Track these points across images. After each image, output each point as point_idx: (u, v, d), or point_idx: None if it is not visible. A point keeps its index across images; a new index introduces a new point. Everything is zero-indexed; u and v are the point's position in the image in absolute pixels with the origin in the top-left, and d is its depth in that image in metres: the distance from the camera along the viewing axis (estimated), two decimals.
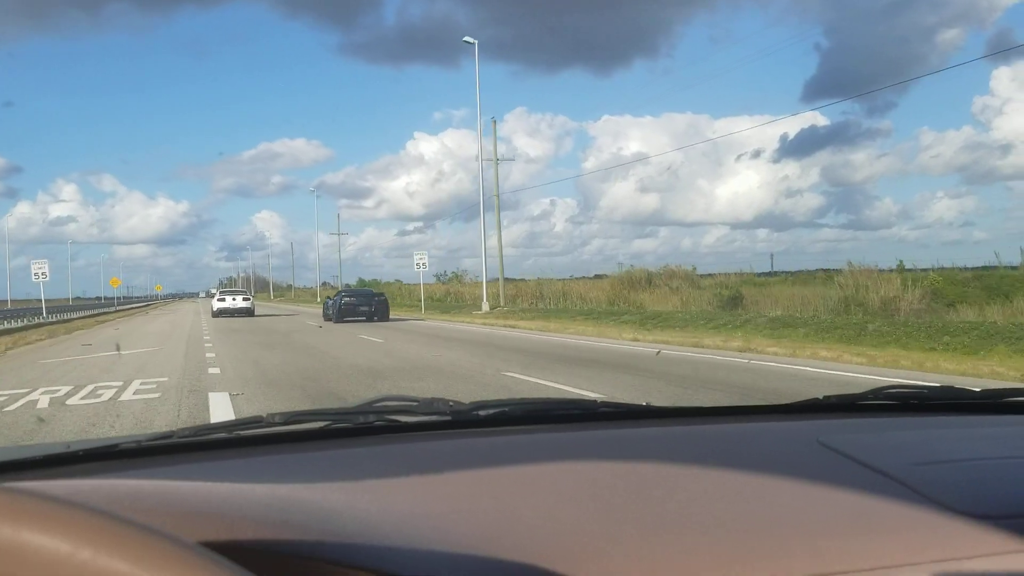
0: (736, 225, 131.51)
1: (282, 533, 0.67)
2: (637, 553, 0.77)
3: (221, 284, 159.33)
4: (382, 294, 30.69)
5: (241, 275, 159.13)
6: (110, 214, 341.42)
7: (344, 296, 29.45)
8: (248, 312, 35.00)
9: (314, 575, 0.65)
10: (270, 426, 1.19)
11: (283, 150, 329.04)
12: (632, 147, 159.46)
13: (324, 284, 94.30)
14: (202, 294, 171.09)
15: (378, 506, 0.83)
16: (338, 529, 0.72)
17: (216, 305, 35.88)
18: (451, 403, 1.30)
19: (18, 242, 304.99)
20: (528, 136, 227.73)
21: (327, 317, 28.98)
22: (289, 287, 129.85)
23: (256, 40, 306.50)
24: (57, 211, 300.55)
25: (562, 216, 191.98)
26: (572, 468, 1.01)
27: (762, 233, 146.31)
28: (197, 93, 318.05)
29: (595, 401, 1.46)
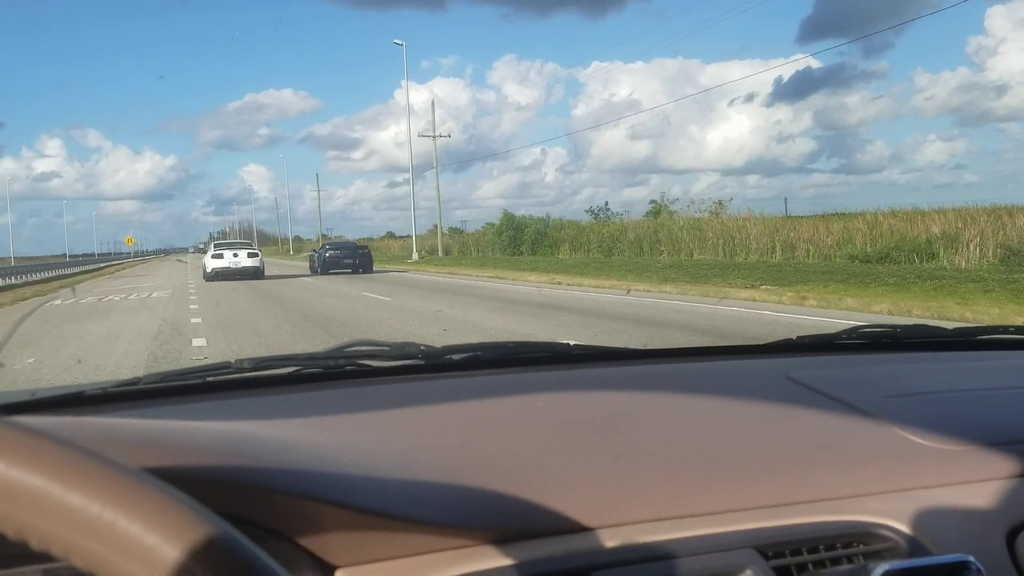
0: (727, 171, 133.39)
1: (230, 461, 0.65)
2: (597, 483, 0.77)
3: (212, 237, 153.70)
4: (365, 247, 30.99)
5: (231, 229, 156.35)
6: (95, 169, 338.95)
7: (328, 249, 29.40)
8: (256, 273, 24.98)
9: (266, 506, 0.64)
10: (239, 372, 1.17)
11: (269, 101, 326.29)
12: (623, 93, 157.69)
13: (323, 236, 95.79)
14: (191, 249, 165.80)
15: (338, 442, 0.81)
16: (292, 461, 0.70)
17: (211, 265, 24.87)
18: (422, 347, 1.28)
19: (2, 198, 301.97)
20: (518, 84, 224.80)
21: (313, 270, 29.15)
22: (283, 241, 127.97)
23: None
24: (41, 167, 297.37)
25: (552, 165, 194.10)
26: (538, 403, 1.00)
27: (752, 179, 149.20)
28: (180, 41, 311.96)
29: (568, 343, 1.44)
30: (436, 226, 47.48)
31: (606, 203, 39.82)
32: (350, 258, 28.11)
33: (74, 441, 0.41)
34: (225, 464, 0.64)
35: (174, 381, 1.15)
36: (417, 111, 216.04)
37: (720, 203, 29.02)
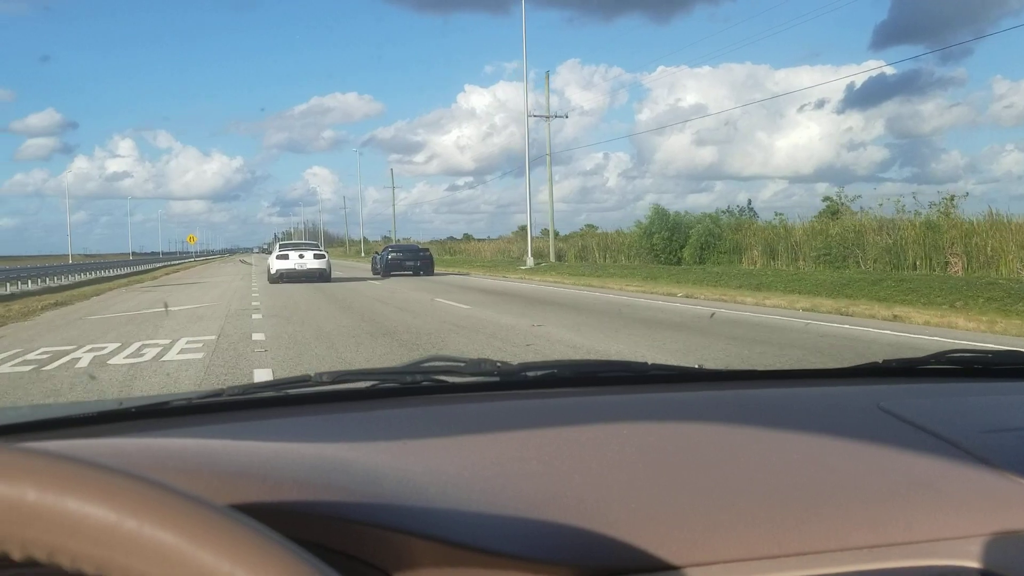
0: (795, 179, 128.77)
1: (324, 495, 0.65)
2: (691, 518, 0.74)
3: (277, 238, 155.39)
4: (427, 250, 30.63)
5: (295, 229, 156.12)
6: (165, 169, 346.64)
7: (391, 251, 29.37)
8: (322, 276, 23.52)
9: (358, 538, 0.63)
10: (318, 385, 1.18)
11: (334, 104, 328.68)
12: (689, 98, 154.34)
13: (384, 238, 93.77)
14: (256, 249, 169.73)
15: (423, 467, 0.80)
16: (382, 491, 0.70)
17: (276, 266, 23.39)
18: (498, 364, 1.27)
19: (75, 197, 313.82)
20: (581, 88, 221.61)
21: (375, 271, 29.03)
22: (350, 242, 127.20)
23: None
24: (113, 166, 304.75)
25: (615, 170, 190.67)
26: (622, 431, 0.95)
27: (821, 187, 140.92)
28: (248, 46, 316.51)
29: (645, 363, 1.39)
30: (546, 229, 42.09)
31: (749, 201, 30.51)
32: (412, 260, 27.96)
33: (178, 474, 0.41)
34: (319, 499, 0.64)
35: (255, 393, 1.18)
36: (479, 115, 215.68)
37: (951, 199, 21.03)
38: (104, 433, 0.96)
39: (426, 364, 1.28)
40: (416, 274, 27.24)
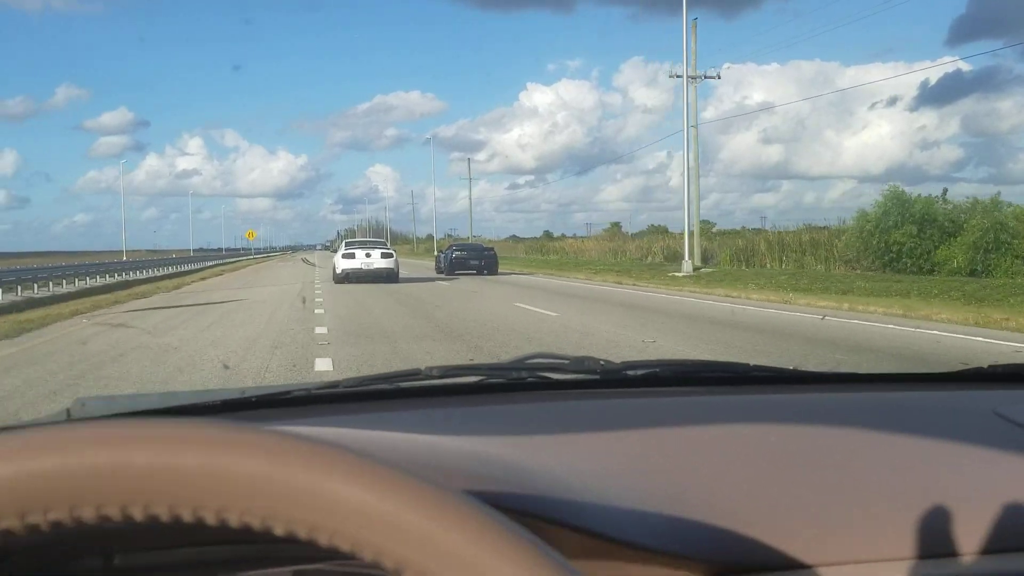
0: (864, 178, 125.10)
1: (490, 486, 0.67)
2: (819, 517, 0.74)
3: (340, 235, 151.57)
4: (491, 249, 30.05)
5: (359, 227, 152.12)
6: (232, 167, 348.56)
7: (455, 250, 28.90)
8: (390, 276, 21.88)
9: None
10: (428, 379, 1.20)
11: (397, 103, 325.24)
12: (755, 96, 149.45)
13: (447, 235, 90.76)
14: (318, 247, 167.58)
15: (559, 462, 0.81)
16: (533, 484, 0.72)
17: (341, 265, 21.87)
18: (602, 362, 1.28)
19: (146, 194, 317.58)
20: (644, 86, 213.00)
21: (439, 270, 28.70)
22: (407, 239, 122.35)
23: None
24: (183, 164, 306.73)
25: (678, 169, 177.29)
26: (741, 431, 0.96)
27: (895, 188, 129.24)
28: (313, 45, 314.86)
29: (747, 364, 1.38)
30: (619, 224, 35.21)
31: (944, 190, 22.73)
32: (476, 259, 27.69)
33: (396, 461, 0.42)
34: (487, 490, 0.65)
35: (370, 386, 1.19)
36: (541, 113, 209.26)
37: None
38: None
39: (531, 360, 1.29)
40: (480, 273, 26.76)
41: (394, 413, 1.09)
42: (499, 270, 28.09)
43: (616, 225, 62.90)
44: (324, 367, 7.08)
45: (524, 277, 27.29)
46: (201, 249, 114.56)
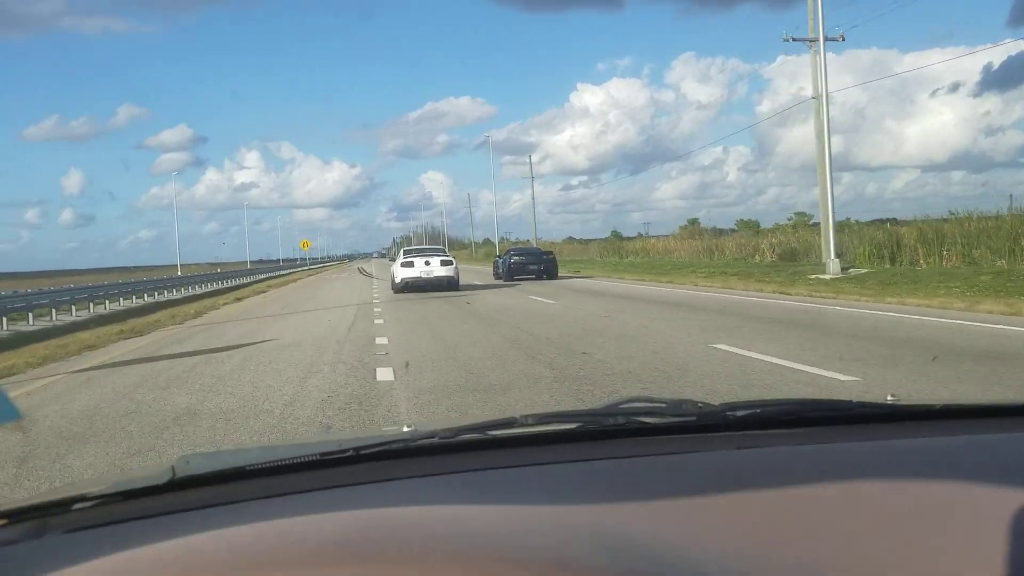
0: (927, 168, 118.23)
1: None
2: None
3: (396, 243, 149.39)
4: (550, 253, 29.63)
5: (415, 233, 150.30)
6: (289, 179, 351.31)
7: (514, 255, 28.28)
8: (451, 284, 20.90)
9: None
10: (523, 427, 1.19)
11: (448, 109, 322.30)
12: (811, 88, 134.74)
13: (503, 238, 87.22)
14: (375, 255, 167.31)
15: (685, 534, 0.77)
16: (670, 560, 0.68)
17: (400, 275, 20.74)
18: (700, 404, 1.25)
19: (206, 208, 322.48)
20: (697, 82, 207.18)
21: (497, 276, 28.22)
22: (463, 244, 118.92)
23: None
24: (241, 178, 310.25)
25: (735, 165, 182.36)
26: (862, 487, 0.89)
27: (957, 175, 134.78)
28: (363, 55, 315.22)
29: (851, 401, 1.31)
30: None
31: None
32: (535, 264, 27.03)
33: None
34: None
35: (464, 436, 1.17)
36: (592, 113, 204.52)
37: None
38: (326, 480, 1.00)
39: (625, 405, 1.28)
40: (539, 277, 26.30)
41: (492, 472, 1.07)
42: (567, 274, 27.23)
43: (694, 222, 57.31)
44: None
45: (614, 284, 23.41)
46: (260, 260, 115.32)
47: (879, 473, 0.95)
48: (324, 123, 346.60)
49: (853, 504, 0.84)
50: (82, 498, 0.93)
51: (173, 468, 0.99)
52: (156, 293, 28.38)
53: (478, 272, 34.05)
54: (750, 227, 52.04)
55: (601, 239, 69.60)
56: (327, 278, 39.47)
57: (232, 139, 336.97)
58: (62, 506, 0.91)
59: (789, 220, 50.57)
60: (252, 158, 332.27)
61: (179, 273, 47.96)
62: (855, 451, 1.13)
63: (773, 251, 30.60)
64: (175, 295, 29.50)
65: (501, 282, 25.65)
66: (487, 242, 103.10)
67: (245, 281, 41.79)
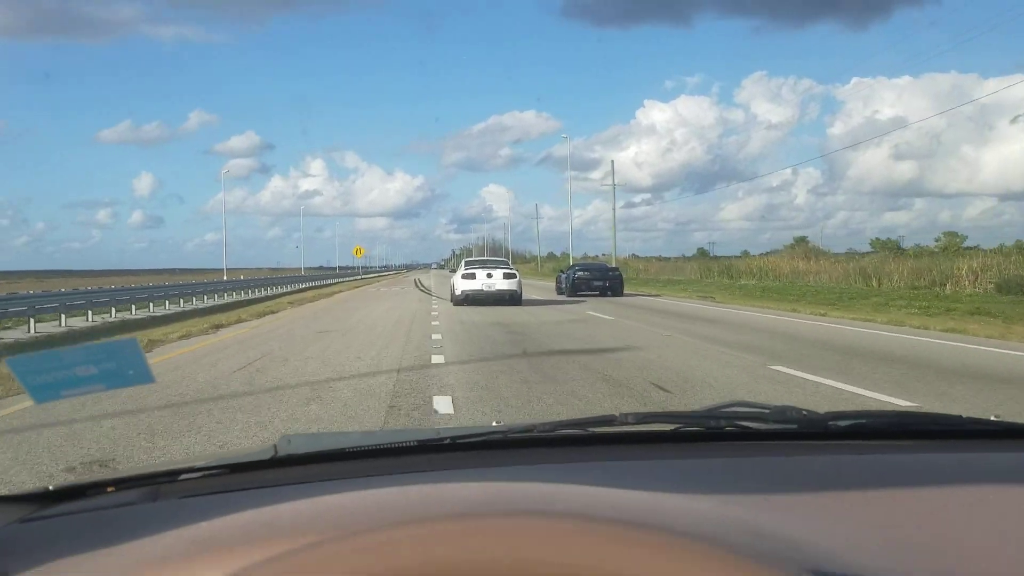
0: (1005, 196, 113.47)
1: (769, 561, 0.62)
2: None
3: (455, 254, 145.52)
4: (616, 268, 28.34)
5: (476, 245, 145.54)
6: (352, 188, 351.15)
7: (578, 270, 26.68)
8: (513, 298, 19.89)
9: None
10: (623, 424, 1.17)
11: (512, 123, 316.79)
12: (886, 111, 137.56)
13: (564, 253, 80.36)
14: (434, 265, 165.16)
15: (812, 526, 0.78)
16: (812, 556, 0.68)
17: (460, 286, 20.25)
18: (804, 412, 1.22)
19: (271, 214, 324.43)
20: (768, 101, 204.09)
21: (560, 291, 26.76)
22: (524, 258, 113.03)
23: (483, 7, 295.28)
24: (306, 185, 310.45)
25: (803, 187, 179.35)
26: (973, 493, 0.89)
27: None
28: (430, 66, 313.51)
29: (960, 416, 1.28)
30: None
31: None
32: (600, 280, 25.62)
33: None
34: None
35: (564, 431, 1.18)
36: (659, 131, 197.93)
37: None
38: (422, 465, 1.02)
39: (728, 409, 1.24)
40: (603, 294, 24.82)
41: (593, 464, 1.05)
42: (632, 291, 26.79)
43: (802, 240, 49.28)
44: None
45: (757, 314, 16.85)
46: (321, 267, 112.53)
47: (983, 480, 0.93)
48: (389, 134, 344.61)
49: (955, 507, 0.84)
50: (190, 469, 0.98)
51: (275, 446, 1.04)
52: (190, 300, 22.60)
53: (539, 287, 32.10)
54: (887, 248, 43.75)
55: (682, 257, 62.09)
56: (375, 293, 32.37)
57: (298, 147, 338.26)
58: (171, 475, 0.97)
59: (937, 241, 42.37)
60: (317, 166, 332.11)
61: (225, 278, 43.61)
62: (959, 461, 1.11)
63: (976, 278, 22.72)
64: (205, 302, 23.28)
65: (563, 298, 24.21)
66: (551, 256, 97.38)
67: (274, 292, 35.80)
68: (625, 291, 25.96)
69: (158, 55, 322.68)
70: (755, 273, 34.60)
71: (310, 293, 32.97)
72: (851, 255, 39.21)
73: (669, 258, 66.44)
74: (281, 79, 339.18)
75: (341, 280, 58.17)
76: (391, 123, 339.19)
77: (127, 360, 0.83)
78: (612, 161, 53.13)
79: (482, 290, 19.82)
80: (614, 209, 51.31)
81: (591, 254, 65.46)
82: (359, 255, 61.08)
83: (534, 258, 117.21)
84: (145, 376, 0.83)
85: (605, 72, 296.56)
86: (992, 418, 1.27)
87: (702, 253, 70.79)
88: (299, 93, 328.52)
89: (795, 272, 32.34)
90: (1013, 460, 1.11)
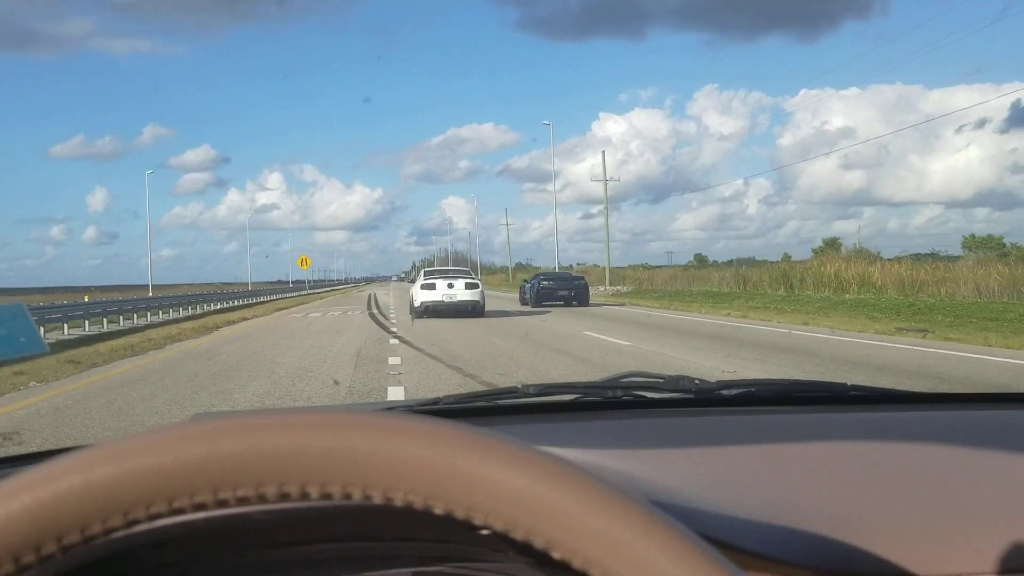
0: (951, 204, 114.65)
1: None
2: (932, 532, 0.73)
3: (416, 266, 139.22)
4: (582, 278, 27.10)
5: (438, 257, 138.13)
6: (310, 201, 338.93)
7: (542, 279, 25.78)
8: (475, 309, 18.74)
9: None
10: (525, 396, 1.22)
11: (470, 135, 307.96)
12: (835, 122, 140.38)
13: (523, 264, 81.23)
14: (394, 278, 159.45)
15: (667, 474, 0.82)
16: (641, 491, 0.71)
17: (420, 297, 18.76)
18: (696, 381, 1.28)
19: (228, 228, 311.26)
20: (719, 114, 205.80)
21: (523, 302, 26.06)
22: (489, 269, 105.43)
23: (439, 22, 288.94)
24: (263, 199, 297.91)
25: (755, 197, 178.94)
26: (842, 447, 0.94)
27: (980, 212, 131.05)
28: (386, 80, 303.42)
29: (845, 384, 1.36)
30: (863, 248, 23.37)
31: None
32: (565, 290, 24.77)
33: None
34: None
35: (469, 403, 1.24)
36: (614, 142, 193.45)
37: None
38: None
39: (625, 379, 1.28)
40: (568, 304, 24.09)
41: (494, 428, 1.15)
42: (600, 301, 26.95)
43: (833, 242, 41.90)
44: None
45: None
46: (278, 281, 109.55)
47: (861, 436, 0.99)
48: (347, 147, 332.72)
49: (830, 460, 0.89)
50: None
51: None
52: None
53: (497, 297, 30.72)
54: (987, 247, 35.85)
55: (690, 264, 53.88)
56: (298, 326, 18.40)
57: (255, 160, 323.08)
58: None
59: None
60: (274, 179, 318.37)
61: (151, 294, 36.83)
62: (844, 420, 1.19)
63: None
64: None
65: (528, 308, 23.64)
66: (521, 266, 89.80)
67: (200, 311, 26.95)
68: (631, 303, 23.97)
69: (112, 69, 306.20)
70: (823, 283, 25.38)
71: (188, 325, 22.12)
72: (935, 258, 31.11)
73: (658, 266, 58.20)
74: (237, 92, 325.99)
75: (282, 296, 48.82)
76: (350, 136, 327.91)
77: (17, 327, 0.54)
78: (603, 152, 44.99)
79: (442, 301, 18.79)
80: (606, 208, 43.28)
81: (566, 264, 58.00)
82: (305, 266, 51.90)
83: (501, 269, 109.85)
84: (37, 345, 0.52)
85: (561, 85, 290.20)
86: (891, 388, 1.39)
87: (700, 260, 63.03)
88: (256, 106, 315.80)
89: (864, 281, 23.50)
90: (883, 418, 1.19)
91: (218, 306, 32.92)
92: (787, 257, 39.88)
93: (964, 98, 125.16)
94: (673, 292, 33.50)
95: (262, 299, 43.26)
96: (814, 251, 39.48)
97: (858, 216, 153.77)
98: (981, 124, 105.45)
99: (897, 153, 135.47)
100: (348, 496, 0.39)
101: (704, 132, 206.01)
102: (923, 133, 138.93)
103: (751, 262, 43.63)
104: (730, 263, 46.30)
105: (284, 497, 0.39)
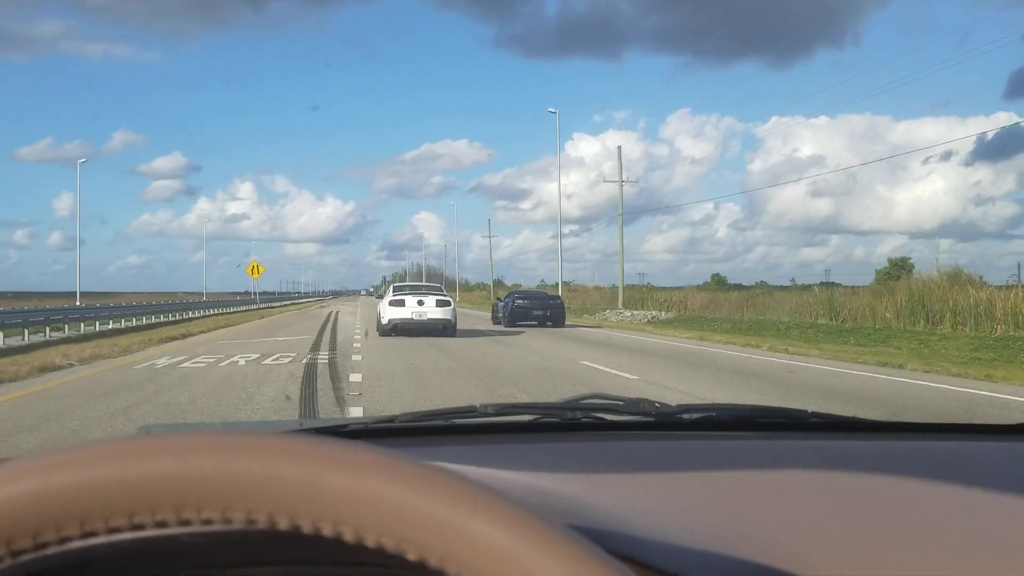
0: (916, 234, 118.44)
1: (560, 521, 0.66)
2: (880, 564, 0.70)
3: (386, 281, 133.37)
4: (558, 297, 26.04)
5: (409, 271, 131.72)
6: (281, 213, 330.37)
7: (517, 297, 24.72)
8: (447, 328, 17.91)
9: None
10: (483, 416, 1.20)
11: (444, 151, 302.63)
12: (805, 150, 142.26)
13: (496, 281, 77.58)
14: (363, 292, 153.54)
15: (618, 500, 0.80)
16: (590, 517, 0.71)
17: (388, 314, 17.73)
18: (657, 404, 1.27)
19: (196, 237, 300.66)
20: (692, 137, 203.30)
21: (496, 320, 25.19)
22: (466, 286, 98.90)
23: (417, 36, 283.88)
24: (233, 208, 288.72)
25: (724, 221, 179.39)
26: (798, 476, 0.92)
27: (945, 243, 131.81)
28: (361, 93, 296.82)
29: (804, 410, 1.36)
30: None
31: None
32: (540, 309, 23.83)
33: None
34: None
35: (426, 421, 1.22)
36: (588, 163, 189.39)
37: None
38: None
39: (585, 401, 1.27)
40: (542, 324, 23.21)
41: (450, 448, 1.08)
42: (575, 322, 25.85)
43: (903, 262, 36.31)
44: None
45: None
46: (246, 292, 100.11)
47: (819, 464, 0.98)
48: (320, 159, 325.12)
49: (787, 489, 0.87)
50: None
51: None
52: None
53: (468, 315, 30.25)
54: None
55: (700, 283, 47.26)
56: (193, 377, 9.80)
57: (226, 169, 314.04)
58: None
59: None
60: (245, 189, 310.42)
61: (79, 303, 35.22)
62: (803, 447, 1.18)
63: None
64: None
65: (495, 327, 22.84)
66: (500, 283, 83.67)
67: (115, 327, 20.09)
68: (678, 336, 20.66)
69: (84, 73, 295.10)
70: (957, 314, 18.07)
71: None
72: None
73: (694, 286, 50.34)
74: (211, 100, 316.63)
75: (220, 312, 41.67)
76: (322, 148, 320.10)
77: None
78: (619, 148, 38.66)
79: (411, 319, 17.78)
80: (620, 216, 36.76)
81: (549, 282, 52.15)
82: (256, 275, 44.45)
83: (477, 286, 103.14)
84: None
85: (536, 103, 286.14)
86: (851, 416, 1.37)
87: (718, 281, 56.47)
88: (229, 114, 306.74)
89: (1016, 313, 17.06)
90: (844, 447, 1.18)
91: (111, 325, 26.03)
92: (764, 284, 33.20)
93: (931, 131, 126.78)
94: (734, 321, 26.32)
95: (190, 315, 36.69)
96: (878, 272, 33.06)
97: (825, 243, 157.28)
98: (947, 156, 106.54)
99: (864, 183, 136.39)
100: (229, 521, 0.38)
101: (676, 155, 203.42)
102: (890, 164, 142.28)
103: (833, 286, 34.19)
104: (807, 287, 36.78)
105: (184, 523, 0.38)
